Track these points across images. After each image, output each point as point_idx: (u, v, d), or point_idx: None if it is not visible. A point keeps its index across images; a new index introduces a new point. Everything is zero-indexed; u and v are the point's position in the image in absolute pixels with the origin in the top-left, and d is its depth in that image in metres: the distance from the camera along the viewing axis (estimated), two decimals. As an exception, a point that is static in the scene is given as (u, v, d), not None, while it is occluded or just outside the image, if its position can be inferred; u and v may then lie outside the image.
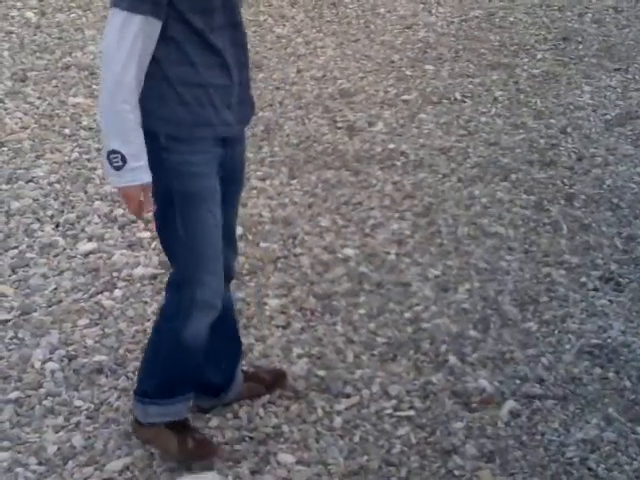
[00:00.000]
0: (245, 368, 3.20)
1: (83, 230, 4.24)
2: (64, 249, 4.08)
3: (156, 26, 2.39)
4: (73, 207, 4.44)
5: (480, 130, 5.36)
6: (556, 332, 3.53)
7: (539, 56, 6.59)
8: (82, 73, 6.05)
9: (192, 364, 2.78)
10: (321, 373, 3.28)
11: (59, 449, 2.93)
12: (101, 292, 3.75)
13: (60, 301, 3.70)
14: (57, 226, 4.28)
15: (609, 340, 3.48)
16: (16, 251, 4.05)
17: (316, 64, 6.42)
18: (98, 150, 4.87)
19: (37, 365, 3.33)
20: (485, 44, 6.83)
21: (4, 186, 4.61)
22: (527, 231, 4.26)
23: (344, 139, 5.22)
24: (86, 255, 4.03)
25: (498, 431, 3.01)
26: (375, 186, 4.67)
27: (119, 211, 4.35)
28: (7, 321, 3.57)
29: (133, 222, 4.26)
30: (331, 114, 5.57)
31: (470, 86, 6.03)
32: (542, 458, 2.89)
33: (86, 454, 2.91)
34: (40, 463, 2.88)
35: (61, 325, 3.54)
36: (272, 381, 3.18)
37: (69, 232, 4.22)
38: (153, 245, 4.06)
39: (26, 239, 4.16)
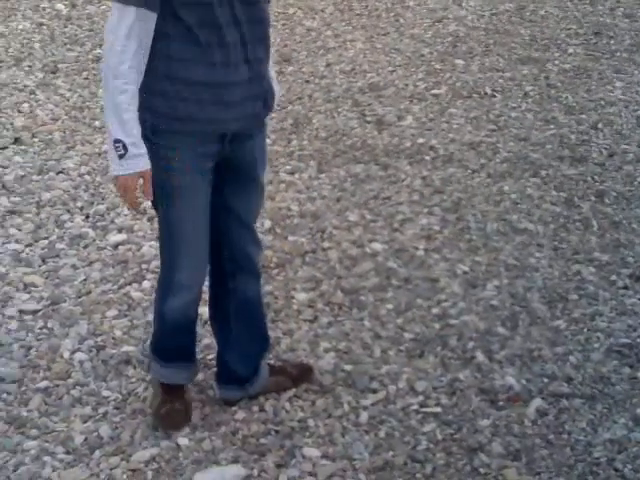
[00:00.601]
0: (272, 362, 3.20)
1: (113, 222, 4.26)
2: (94, 240, 4.11)
3: (151, 18, 2.47)
4: (103, 199, 4.47)
5: (510, 125, 5.33)
6: (585, 330, 3.51)
7: (570, 51, 6.54)
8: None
9: (176, 336, 2.93)
10: (348, 368, 3.28)
11: (86, 439, 2.95)
12: (130, 283, 3.78)
13: (89, 292, 3.73)
14: (87, 217, 4.31)
15: (639, 339, 3.45)
16: (46, 242, 4.09)
17: (345, 57, 6.41)
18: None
19: (66, 355, 3.35)
20: (516, 38, 6.79)
21: (35, 177, 4.65)
22: (557, 228, 4.23)
23: (373, 133, 5.21)
24: (115, 247, 4.06)
25: (525, 429, 2.99)
26: (404, 181, 4.66)
27: (148, 203, 4.34)
28: (37, 311, 3.60)
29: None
30: (360, 108, 5.56)
31: (500, 80, 6.00)
32: (568, 458, 2.87)
33: (113, 444, 2.93)
34: (67, 452, 2.90)
35: (90, 316, 3.57)
36: (299, 375, 3.19)
37: (99, 223, 4.25)
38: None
39: (56, 230, 4.19)
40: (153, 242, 4.05)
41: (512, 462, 2.86)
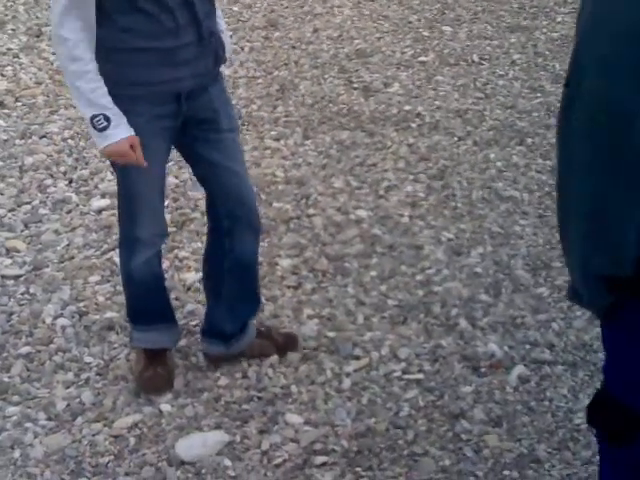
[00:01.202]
0: (257, 327, 3.20)
1: (96, 187, 4.24)
2: (77, 205, 4.09)
3: None
4: (87, 163, 4.44)
5: (497, 93, 5.31)
6: (568, 298, 3.51)
7: (559, 19, 6.50)
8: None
9: (148, 296, 2.98)
10: (331, 334, 3.28)
11: (68, 405, 2.95)
12: (113, 249, 3.75)
13: (72, 257, 3.71)
14: (70, 182, 4.28)
15: (621, 307, 3.45)
16: (29, 207, 4.06)
17: (333, 23, 6.35)
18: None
19: (48, 321, 3.35)
20: (504, 6, 6.74)
21: (18, 141, 4.62)
22: (542, 196, 4.22)
23: (359, 100, 5.18)
24: (99, 212, 4.04)
25: (506, 396, 3.01)
26: (390, 148, 4.64)
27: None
28: (19, 276, 3.59)
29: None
30: (347, 74, 5.52)
31: (488, 48, 5.96)
32: (549, 424, 2.89)
33: (95, 410, 2.93)
34: (49, 418, 2.90)
35: (72, 281, 3.56)
36: (284, 344, 3.19)
37: (82, 188, 4.22)
38: (166, 203, 4.04)
39: (39, 195, 4.16)
40: (137, 208, 4.03)
41: (493, 428, 2.87)
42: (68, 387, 3.03)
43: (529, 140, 4.74)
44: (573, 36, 1.49)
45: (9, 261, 3.68)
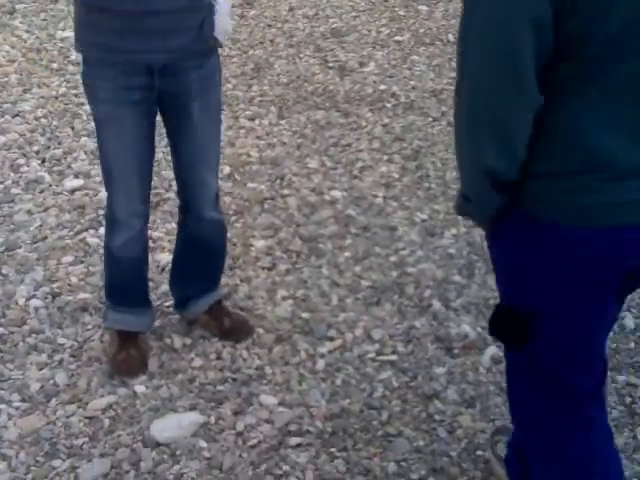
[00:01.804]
0: (222, 305, 3.20)
1: (69, 166, 4.21)
2: (50, 185, 4.05)
3: None
4: (60, 143, 4.40)
5: (472, 73, 5.30)
6: (541, 279, 3.53)
7: (534, -2, 6.50)
8: (71, 7, 5.92)
9: (126, 276, 2.96)
10: (305, 315, 3.29)
11: (42, 386, 2.94)
12: (86, 229, 3.74)
13: (45, 238, 3.69)
14: (43, 162, 4.24)
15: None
16: (1, 186, 4.03)
17: (308, 2, 6.32)
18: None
19: (21, 302, 3.32)
20: (480, -15, 6.72)
21: (-11, 120, 4.57)
22: (516, 177, 4.23)
23: (335, 79, 5.17)
24: (72, 192, 4.00)
25: (479, 377, 3.03)
26: (364, 128, 4.64)
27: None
28: (-9, 257, 3.57)
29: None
30: (322, 54, 5.51)
31: (463, 28, 5.94)
32: (522, 404, 2.91)
33: (69, 392, 2.92)
34: (23, 400, 2.89)
35: (46, 262, 3.53)
36: (229, 329, 3.15)
37: (55, 168, 4.19)
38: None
39: (12, 174, 4.12)
40: (110, 188, 4.01)
41: (466, 409, 2.89)
42: (42, 369, 3.02)
43: (503, 121, 4.74)
44: None
45: (-19, 242, 3.66)
